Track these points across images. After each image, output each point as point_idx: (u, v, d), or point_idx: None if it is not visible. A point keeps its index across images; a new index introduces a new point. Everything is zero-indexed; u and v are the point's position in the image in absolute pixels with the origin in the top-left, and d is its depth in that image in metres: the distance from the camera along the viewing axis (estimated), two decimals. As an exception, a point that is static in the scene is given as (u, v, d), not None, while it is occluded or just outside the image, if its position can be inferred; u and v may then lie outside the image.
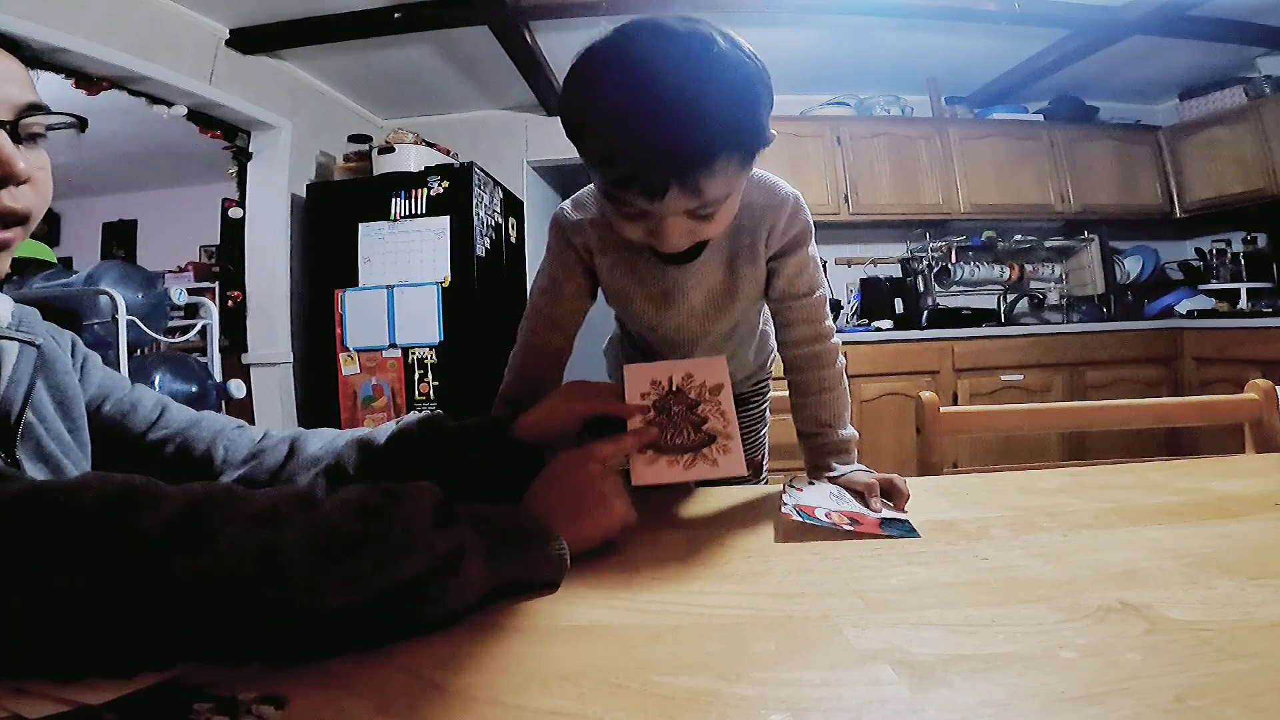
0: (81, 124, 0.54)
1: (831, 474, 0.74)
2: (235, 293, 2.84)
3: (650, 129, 0.52)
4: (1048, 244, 3.52)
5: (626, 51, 0.55)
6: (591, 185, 0.76)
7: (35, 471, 0.52)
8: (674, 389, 0.68)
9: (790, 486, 0.68)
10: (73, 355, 0.63)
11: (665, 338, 0.85)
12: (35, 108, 0.49)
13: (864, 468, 0.75)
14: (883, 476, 0.70)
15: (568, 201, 0.81)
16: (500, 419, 0.69)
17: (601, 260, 0.79)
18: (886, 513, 0.64)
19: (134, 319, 2.03)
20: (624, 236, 0.66)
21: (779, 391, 0.98)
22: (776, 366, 0.97)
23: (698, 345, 0.85)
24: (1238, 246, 3.22)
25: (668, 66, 0.53)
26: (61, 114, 0.52)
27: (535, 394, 0.74)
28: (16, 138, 0.48)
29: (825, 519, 0.60)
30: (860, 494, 0.69)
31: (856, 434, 0.79)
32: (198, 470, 0.64)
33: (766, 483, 1.08)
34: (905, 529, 0.59)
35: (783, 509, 0.61)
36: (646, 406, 0.67)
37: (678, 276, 0.78)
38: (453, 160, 2.92)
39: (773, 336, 0.99)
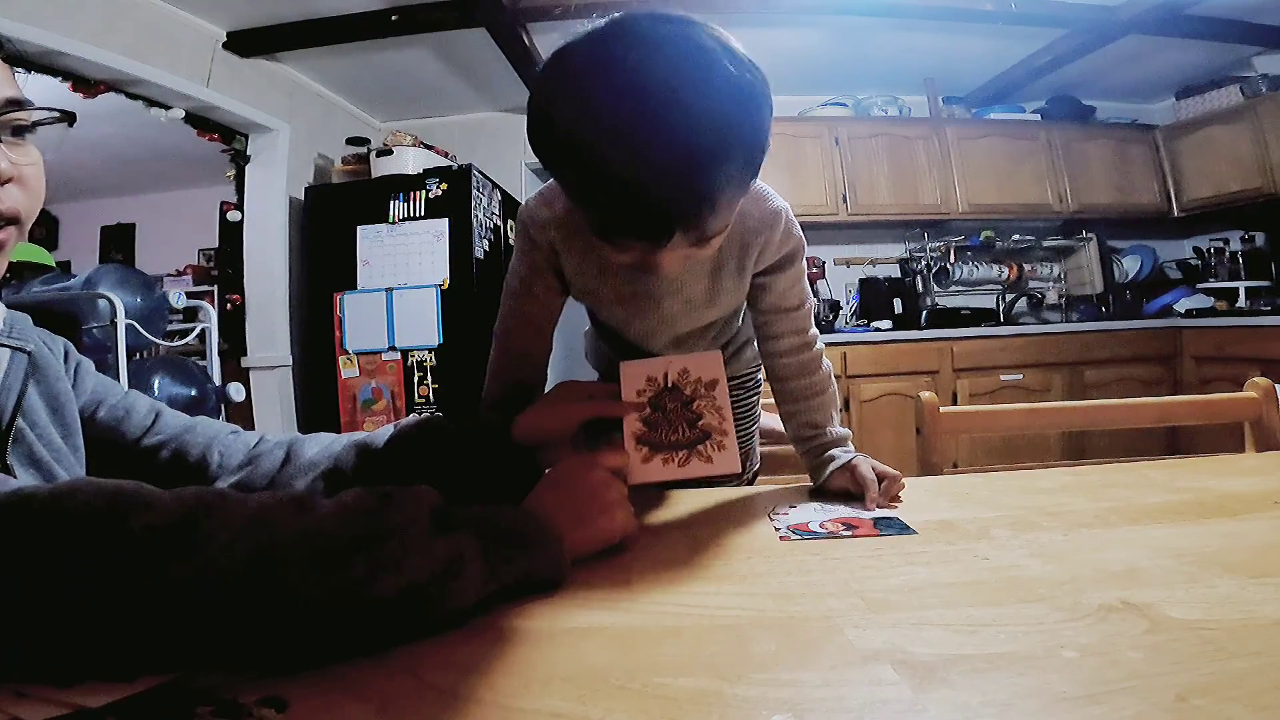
0: (69, 119, 0.53)
1: (836, 463, 0.73)
2: (234, 296, 2.84)
3: (647, 179, 0.46)
4: (1046, 243, 3.52)
5: (609, 70, 0.47)
6: (556, 184, 0.71)
7: (27, 477, 0.52)
8: (669, 385, 0.68)
9: (774, 515, 0.66)
10: (65, 361, 0.63)
11: (637, 335, 0.83)
12: (15, 103, 0.49)
13: (865, 455, 0.74)
14: (881, 469, 0.71)
15: (534, 196, 0.74)
16: (498, 422, 0.69)
17: (568, 260, 0.75)
18: (880, 511, 0.65)
19: (133, 323, 2.03)
20: (612, 260, 0.61)
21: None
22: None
23: (669, 346, 0.84)
24: (1236, 245, 3.22)
25: (660, 92, 0.45)
26: (44, 109, 0.51)
27: (519, 398, 0.73)
28: None
29: (821, 529, 0.60)
30: (851, 494, 0.69)
31: (849, 432, 0.79)
32: (192, 476, 0.64)
33: (754, 482, 1.07)
34: (901, 526, 0.60)
35: (779, 535, 0.60)
36: (642, 404, 0.67)
37: (653, 283, 0.74)
38: (451, 162, 2.92)
39: (747, 328, 0.96)
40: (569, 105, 0.49)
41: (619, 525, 0.54)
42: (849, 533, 0.59)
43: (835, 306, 3.41)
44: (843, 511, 0.65)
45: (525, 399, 0.71)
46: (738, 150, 0.49)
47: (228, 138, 2.77)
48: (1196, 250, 3.46)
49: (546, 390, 0.76)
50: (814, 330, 0.81)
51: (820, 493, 0.74)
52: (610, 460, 0.59)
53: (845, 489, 0.72)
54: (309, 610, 0.35)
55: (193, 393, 2.28)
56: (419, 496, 0.43)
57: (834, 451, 0.75)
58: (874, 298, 3.43)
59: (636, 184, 0.47)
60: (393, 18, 2.46)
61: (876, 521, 0.62)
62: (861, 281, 3.50)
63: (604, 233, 0.55)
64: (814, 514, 0.65)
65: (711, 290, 0.76)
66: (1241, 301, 3.06)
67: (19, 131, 0.50)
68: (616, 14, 0.50)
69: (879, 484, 0.69)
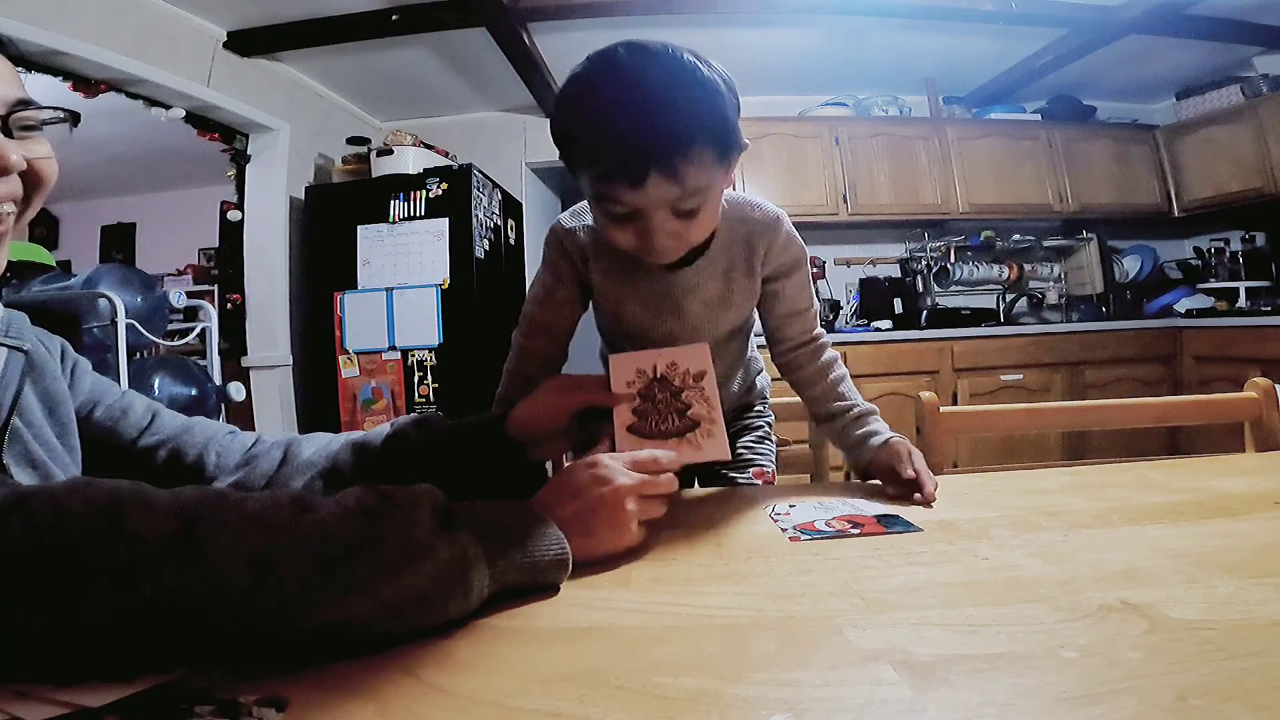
0: (73, 118, 0.55)
1: (877, 438, 0.77)
2: (234, 295, 2.84)
3: (629, 122, 0.58)
4: (1046, 243, 3.52)
5: (608, 66, 0.62)
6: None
7: (23, 477, 0.52)
8: (658, 376, 0.69)
9: (776, 515, 0.66)
10: (62, 361, 0.63)
11: (659, 339, 0.85)
12: (24, 103, 0.51)
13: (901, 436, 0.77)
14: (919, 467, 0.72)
15: (565, 212, 0.84)
16: (494, 417, 0.69)
17: (595, 265, 0.82)
18: (881, 509, 0.65)
19: (133, 322, 2.02)
20: (616, 244, 0.68)
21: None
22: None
23: None
24: (1236, 245, 3.22)
25: (643, 74, 0.60)
26: (51, 108, 0.53)
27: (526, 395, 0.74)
28: (8, 132, 0.50)
29: (828, 528, 0.60)
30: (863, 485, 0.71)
31: (876, 407, 0.84)
32: (189, 477, 0.63)
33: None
34: (905, 524, 0.60)
35: (788, 537, 0.59)
36: (632, 395, 0.68)
37: (673, 283, 0.80)
38: (451, 162, 2.92)
39: (756, 361, 1.03)
40: (577, 95, 0.62)
41: (627, 542, 0.54)
42: (856, 531, 0.59)
43: (835, 306, 3.41)
44: (845, 510, 0.66)
45: None
46: (700, 109, 0.60)
47: (228, 137, 2.76)
48: (1197, 250, 3.46)
49: None
50: (820, 328, 0.88)
51: (819, 490, 0.74)
52: (634, 488, 0.56)
53: (891, 467, 0.72)
54: (309, 613, 0.35)
55: (193, 392, 2.28)
56: (420, 497, 0.43)
57: (873, 425, 0.79)
58: (874, 298, 3.43)
59: (619, 129, 0.59)
60: (393, 18, 2.46)
61: (882, 519, 0.62)
62: (862, 281, 3.50)
63: (599, 187, 0.64)
64: (816, 512, 0.65)
65: (725, 291, 0.81)
66: (1242, 301, 3.06)
67: (28, 129, 0.52)
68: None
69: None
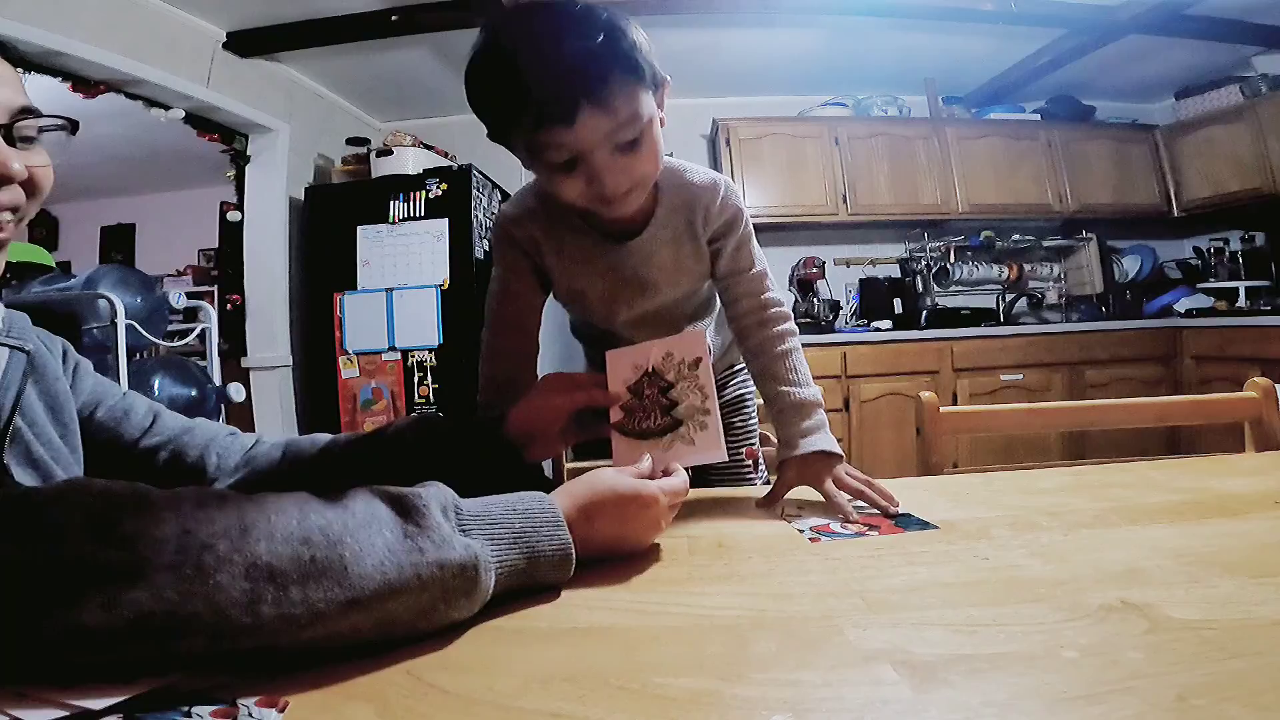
0: (72, 126, 0.55)
1: (795, 452, 0.72)
2: (234, 296, 2.84)
3: (546, 64, 0.59)
4: (1046, 243, 3.52)
5: (506, 27, 0.62)
6: (527, 185, 0.81)
7: (25, 476, 0.52)
8: (650, 371, 0.68)
9: (789, 516, 0.66)
10: (64, 361, 0.63)
11: (621, 307, 0.86)
12: (28, 111, 0.51)
13: (836, 458, 0.72)
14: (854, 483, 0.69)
15: (507, 203, 0.84)
16: (492, 418, 0.69)
17: (548, 249, 0.81)
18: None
19: (133, 323, 2.02)
20: (566, 199, 0.67)
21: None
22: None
23: (650, 319, 0.87)
24: (1235, 245, 3.22)
25: (545, 24, 0.61)
26: (53, 116, 0.53)
27: (511, 396, 0.75)
28: (11, 140, 0.50)
29: (844, 530, 0.60)
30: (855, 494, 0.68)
31: (819, 392, 0.79)
32: (190, 477, 0.64)
33: (766, 480, 1.07)
34: (920, 522, 0.60)
35: (808, 539, 0.58)
36: (626, 393, 0.68)
37: (627, 255, 0.80)
38: (451, 163, 2.92)
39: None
40: (483, 55, 0.63)
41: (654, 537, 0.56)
42: (874, 533, 0.59)
43: (835, 306, 3.40)
44: (858, 511, 0.65)
45: (516, 397, 0.72)
46: (608, 40, 0.60)
47: (228, 138, 2.76)
48: (1196, 250, 3.46)
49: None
50: (774, 294, 0.85)
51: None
52: (672, 497, 0.57)
53: (803, 485, 0.70)
54: (313, 623, 0.34)
55: (193, 393, 2.28)
56: (429, 500, 0.42)
57: (801, 425, 0.74)
58: (874, 298, 3.43)
59: (535, 72, 0.59)
60: (393, 18, 2.46)
61: (897, 519, 0.62)
62: (861, 281, 3.50)
63: (533, 138, 0.63)
64: (830, 512, 0.65)
65: (677, 255, 0.82)
66: (1241, 301, 3.06)
67: (28, 139, 0.52)
68: None
69: (854, 496, 0.67)
